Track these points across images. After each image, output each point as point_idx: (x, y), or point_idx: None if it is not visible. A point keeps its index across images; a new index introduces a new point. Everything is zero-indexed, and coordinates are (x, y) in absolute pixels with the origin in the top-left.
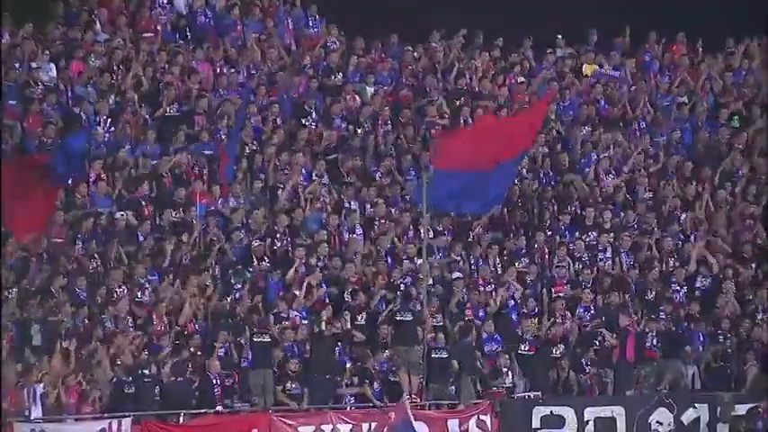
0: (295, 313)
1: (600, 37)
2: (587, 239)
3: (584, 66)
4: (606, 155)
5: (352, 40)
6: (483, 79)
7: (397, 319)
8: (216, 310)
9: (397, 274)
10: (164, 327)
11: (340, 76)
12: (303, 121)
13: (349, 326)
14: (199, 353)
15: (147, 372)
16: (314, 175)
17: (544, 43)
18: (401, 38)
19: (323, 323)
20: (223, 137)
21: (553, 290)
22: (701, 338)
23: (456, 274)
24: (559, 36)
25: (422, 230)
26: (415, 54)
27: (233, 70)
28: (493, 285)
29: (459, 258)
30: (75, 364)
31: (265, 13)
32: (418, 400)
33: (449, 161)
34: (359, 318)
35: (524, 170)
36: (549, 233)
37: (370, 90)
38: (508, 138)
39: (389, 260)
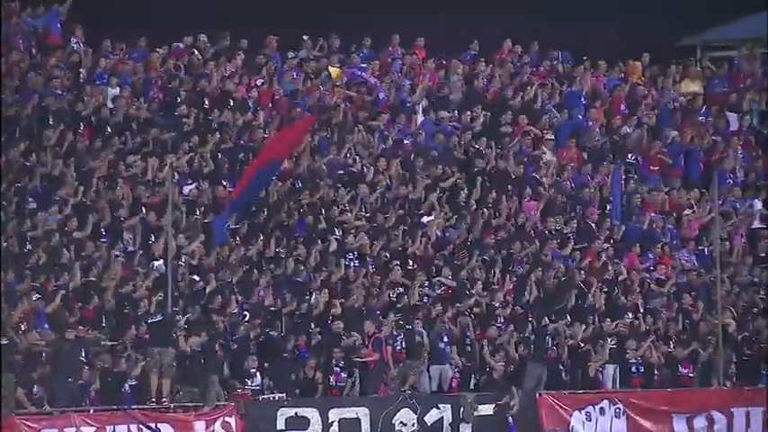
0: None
1: (342, 39)
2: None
3: (329, 68)
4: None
5: (97, 42)
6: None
7: (149, 321)
8: None
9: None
10: None
11: (84, 76)
12: (48, 123)
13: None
14: None
15: None
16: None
17: (289, 45)
18: (149, 40)
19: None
20: None
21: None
22: (447, 339)
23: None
24: (305, 37)
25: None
26: (162, 55)
27: None
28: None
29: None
30: None
31: (8, 12)
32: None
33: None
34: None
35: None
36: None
37: (113, 92)
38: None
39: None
